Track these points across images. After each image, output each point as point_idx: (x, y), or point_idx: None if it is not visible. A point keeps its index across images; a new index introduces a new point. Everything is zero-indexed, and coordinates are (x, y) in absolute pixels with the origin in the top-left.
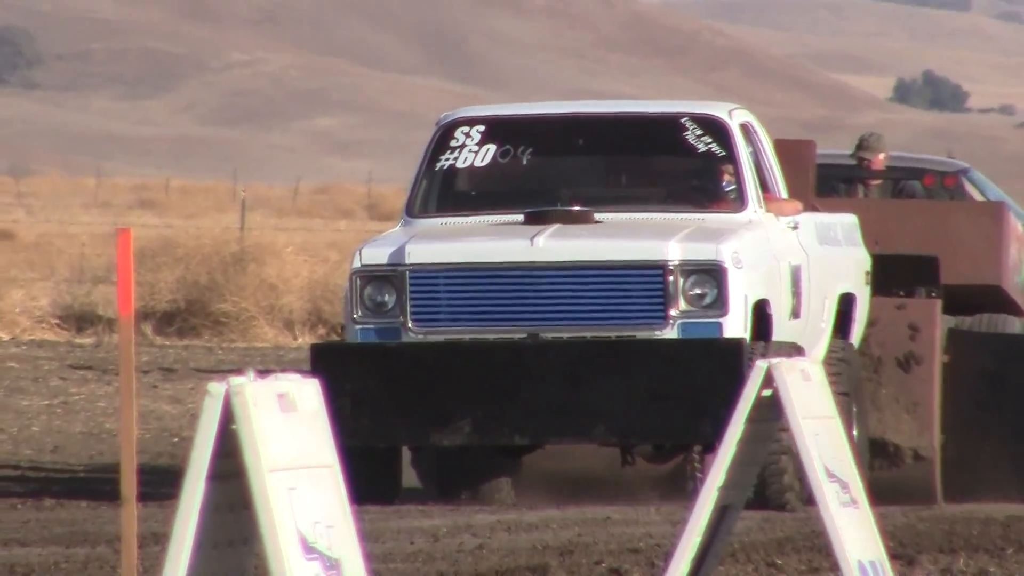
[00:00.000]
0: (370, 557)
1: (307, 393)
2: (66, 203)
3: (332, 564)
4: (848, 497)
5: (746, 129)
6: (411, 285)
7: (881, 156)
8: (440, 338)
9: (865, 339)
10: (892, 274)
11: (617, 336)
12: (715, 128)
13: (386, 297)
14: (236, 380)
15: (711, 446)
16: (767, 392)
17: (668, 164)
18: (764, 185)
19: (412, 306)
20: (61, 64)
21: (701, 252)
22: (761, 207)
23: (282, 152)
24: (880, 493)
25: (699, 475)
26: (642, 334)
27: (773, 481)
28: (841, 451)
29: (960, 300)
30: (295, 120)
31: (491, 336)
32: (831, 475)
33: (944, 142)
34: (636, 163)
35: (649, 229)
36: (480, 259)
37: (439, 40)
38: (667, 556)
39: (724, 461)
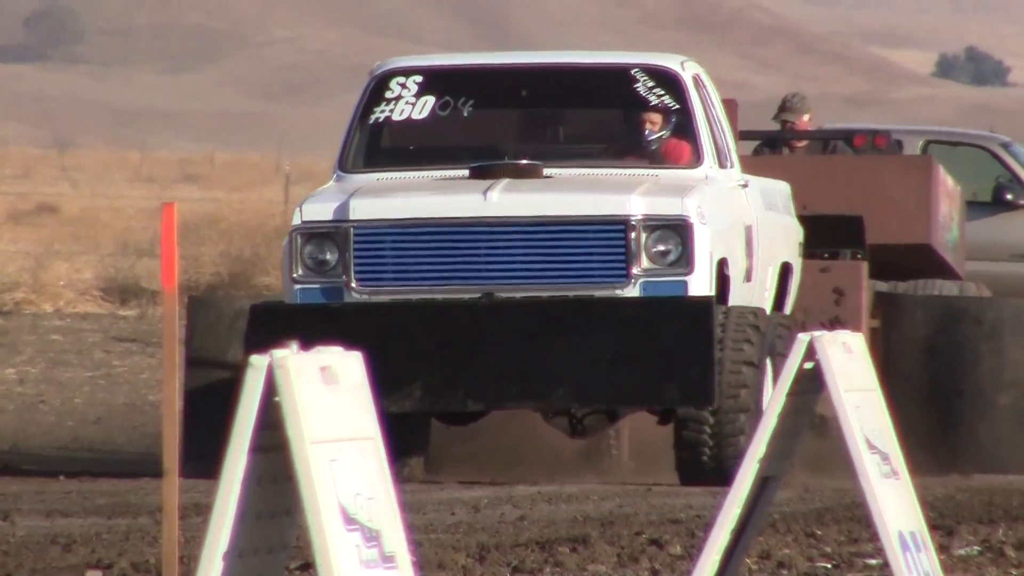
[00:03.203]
0: (411, 528)
1: (350, 366)
2: (111, 177)
3: (372, 535)
4: (889, 468)
5: (697, 82)
6: (355, 242)
7: (806, 117)
8: (386, 298)
9: None
10: (815, 235)
11: (575, 295)
12: (667, 80)
13: (328, 255)
14: (279, 353)
15: (670, 413)
16: (809, 364)
17: (618, 117)
18: (714, 141)
19: (356, 264)
20: (104, 39)
21: (665, 207)
22: (715, 164)
23: (327, 127)
24: (807, 464)
25: (614, 451)
26: (602, 293)
27: (730, 464)
28: (882, 423)
29: (891, 262)
30: (339, 95)
31: (440, 296)
32: (872, 446)
33: (987, 117)
34: (585, 116)
35: (607, 183)
36: (429, 214)
37: (482, 16)
38: (707, 527)
39: (765, 433)
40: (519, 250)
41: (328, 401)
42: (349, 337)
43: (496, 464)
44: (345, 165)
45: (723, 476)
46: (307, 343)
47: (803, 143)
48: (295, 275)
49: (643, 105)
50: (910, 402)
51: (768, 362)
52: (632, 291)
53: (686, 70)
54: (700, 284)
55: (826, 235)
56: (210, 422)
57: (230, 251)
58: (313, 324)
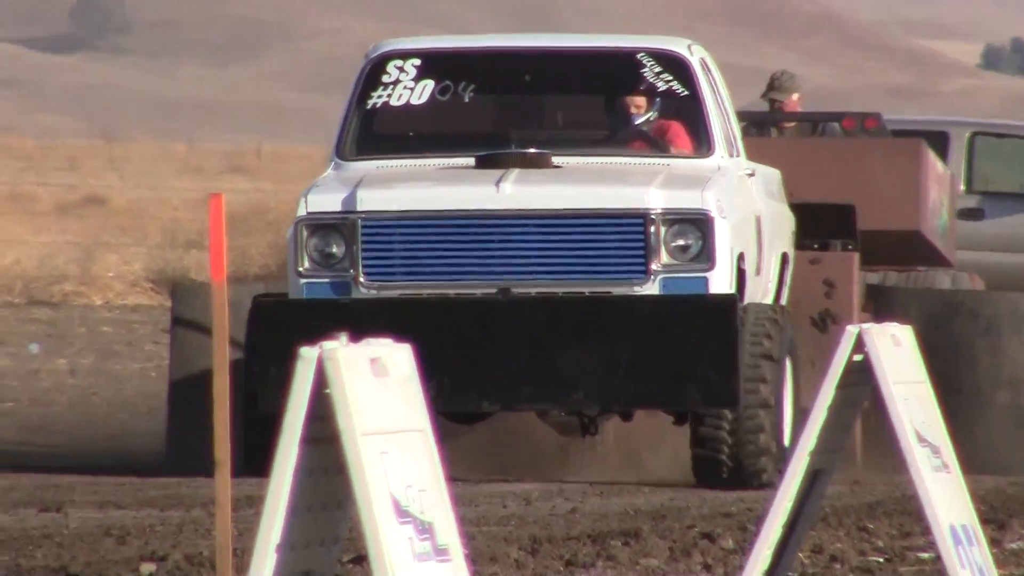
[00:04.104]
0: (463, 520)
1: (399, 358)
2: (158, 168)
3: (425, 527)
4: (939, 462)
5: (704, 66)
6: (363, 234)
7: (795, 96)
8: (395, 293)
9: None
10: (805, 225)
11: (591, 292)
12: (675, 65)
13: (335, 248)
14: (329, 345)
15: (686, 414)
16: (858, 357)
17: (623, 103)
18: (722, 129)
19: (364, 258)
20: (150, 31)
21: (685, 200)
22: (725, 153)
23: None
24: None
25: (599, 447)
26: (620, 289)
27: (750, 463)
28: (932, 415)
29: (879, 249)
30: None
31: (451, 291)
32: (922, 439)
33: None
34: (590, 103)
35: (623, 175)
36: (441, 206)
37: (526, 9)
38: (759, 520)
39: (815, 426)
40: (534, 244)
41: (378, 393)
42: (358, 334)
43: (478, 460)
44: (343, 152)
45: (742, 474)
46: (313, 340)
47: (792, 124)
48: (300, 268)
49: (650, 91)
50: None
51: (787, 358)
52: (651, 287)
53: (693, 54)
54: (721, 280)
55: (816, 225)
56: (192, 413)
57: (278, 242)
58: (320, 320)
